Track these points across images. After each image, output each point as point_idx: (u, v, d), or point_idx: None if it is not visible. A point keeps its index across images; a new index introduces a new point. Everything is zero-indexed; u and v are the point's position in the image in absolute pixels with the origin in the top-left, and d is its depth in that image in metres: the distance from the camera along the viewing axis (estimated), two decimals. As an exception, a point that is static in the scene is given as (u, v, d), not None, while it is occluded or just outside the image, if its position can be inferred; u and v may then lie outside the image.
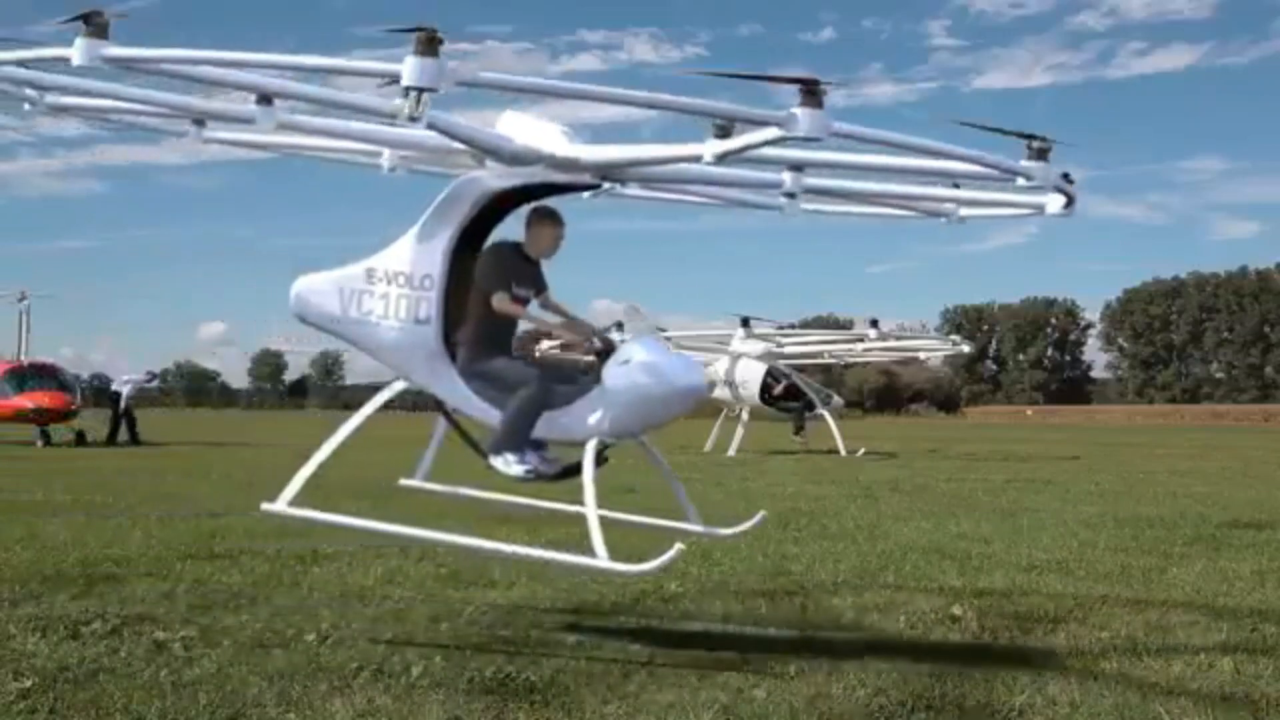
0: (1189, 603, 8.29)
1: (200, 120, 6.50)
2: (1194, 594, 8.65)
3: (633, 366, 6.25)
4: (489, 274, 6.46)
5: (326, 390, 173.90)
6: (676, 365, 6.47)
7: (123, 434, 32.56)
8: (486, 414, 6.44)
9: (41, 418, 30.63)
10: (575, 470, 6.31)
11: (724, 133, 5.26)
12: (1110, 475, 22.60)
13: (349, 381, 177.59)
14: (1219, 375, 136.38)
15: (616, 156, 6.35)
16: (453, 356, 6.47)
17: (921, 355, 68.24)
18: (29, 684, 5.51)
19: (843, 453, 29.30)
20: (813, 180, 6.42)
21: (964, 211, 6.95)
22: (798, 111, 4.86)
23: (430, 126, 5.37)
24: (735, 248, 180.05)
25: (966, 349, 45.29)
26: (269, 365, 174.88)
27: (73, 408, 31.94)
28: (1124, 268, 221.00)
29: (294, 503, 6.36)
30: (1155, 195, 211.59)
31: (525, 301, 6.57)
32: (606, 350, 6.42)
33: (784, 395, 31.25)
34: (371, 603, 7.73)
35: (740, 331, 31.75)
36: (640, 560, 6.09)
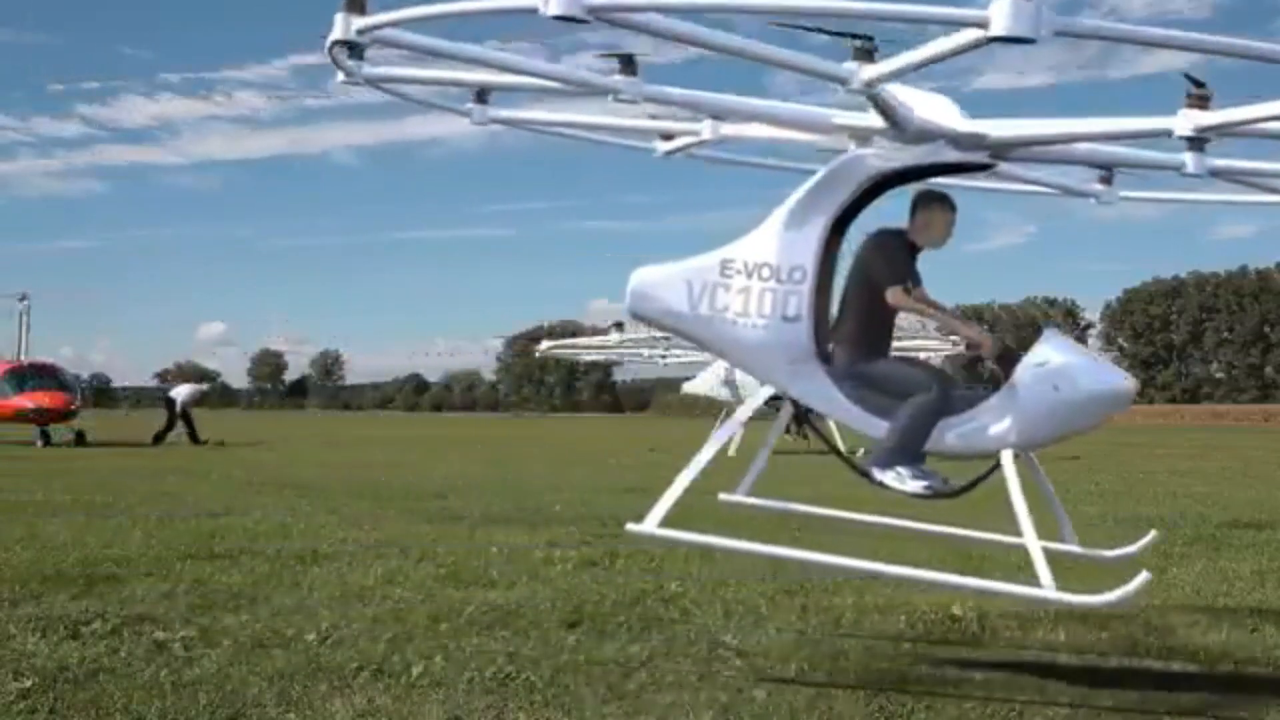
0: (1189, 603, 8.29)
1: (483, 96, 5.92)
2: (1194, 594, 8.65)
3: (1048, 370, 5.62)
4: (882, 265, 5.89)
5: (326, 390, 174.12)
6: (1095, 369, 5.87)
7: (177, 434, 32.15)
8: (862, 421, 5.86)
9: (41, 418, 30.65)
10: (972, 486, 5.92)
11: (1201, 103, 4.66)
12: (1110, 475, 22.57)
13: (349, 381, 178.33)
14: (1219, 375, 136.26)
15: (1033, 133, 5.62)
16: (823, 357, 5.88)
17: (922, 355, 68.09)
18: (29, 684, 5.52)
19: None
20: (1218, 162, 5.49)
21: None
22: None
23: (872, 97, 4.92)
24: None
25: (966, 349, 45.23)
26: (269, 365, 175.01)
27: (73, 408, 31.96)
28: (1124, 268, 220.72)
29: (663, 524, 5.80)
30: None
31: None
32: (1007, 352, 5.86)
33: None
34: (371, 603, 7.73)
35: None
36: (1098, 591, 5.48)
